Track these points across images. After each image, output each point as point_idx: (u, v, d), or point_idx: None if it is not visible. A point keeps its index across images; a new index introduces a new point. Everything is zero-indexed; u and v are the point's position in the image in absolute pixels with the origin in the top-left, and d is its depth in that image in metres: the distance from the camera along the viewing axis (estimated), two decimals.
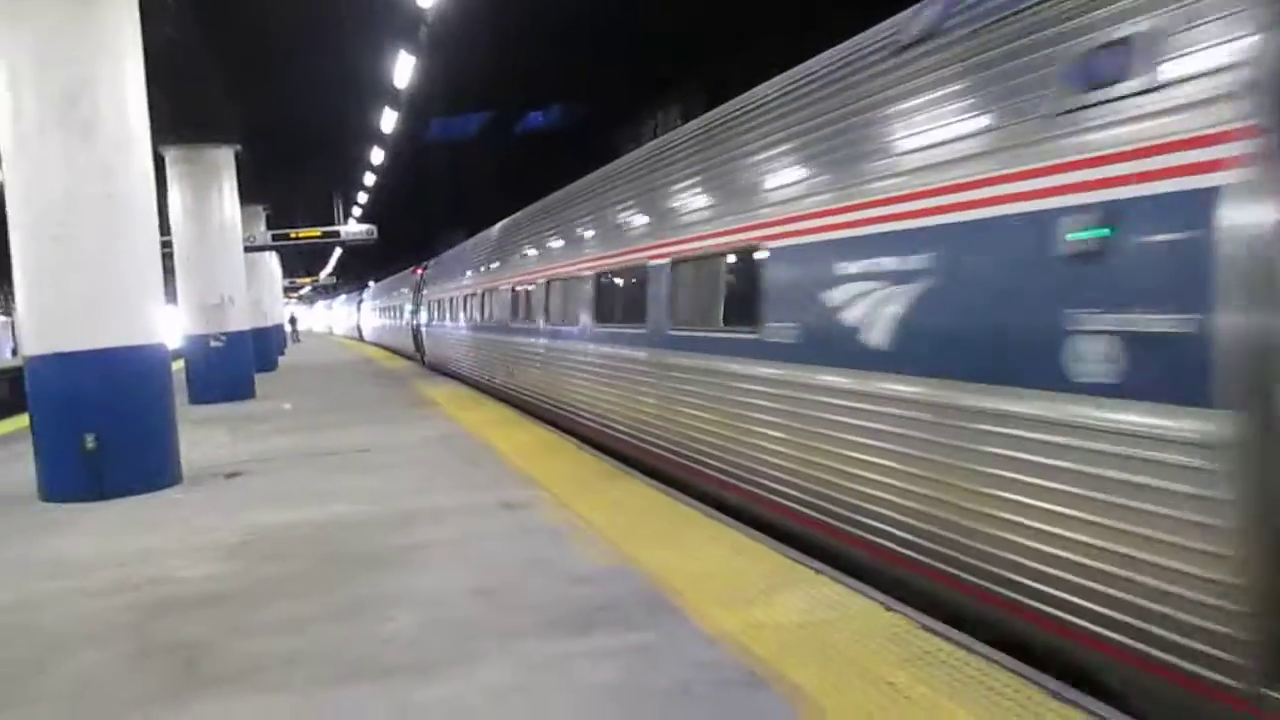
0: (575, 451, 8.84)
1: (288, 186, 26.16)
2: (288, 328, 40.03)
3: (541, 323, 11.76)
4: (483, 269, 16.61)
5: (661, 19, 16.50)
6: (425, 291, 24.94)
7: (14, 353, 57.49)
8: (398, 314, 32.15)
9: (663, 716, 3.23)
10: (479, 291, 16.52)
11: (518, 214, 15.09)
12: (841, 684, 3.40)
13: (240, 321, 16.89)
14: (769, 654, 3.70)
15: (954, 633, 3.83)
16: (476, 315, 16.76)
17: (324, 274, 62.00)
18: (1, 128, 7.64)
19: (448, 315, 20.65)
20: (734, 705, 3.30)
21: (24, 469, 8.31)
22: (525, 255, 13.15)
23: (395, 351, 32.10)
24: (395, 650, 4.04)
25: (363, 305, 49.51)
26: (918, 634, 3.84)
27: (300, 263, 53.92)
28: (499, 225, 16.59)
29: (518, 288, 13.26)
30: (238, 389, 16.25)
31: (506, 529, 6.00)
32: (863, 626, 3.95)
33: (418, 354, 26.18)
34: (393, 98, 17.68)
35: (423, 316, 25.24)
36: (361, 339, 47.64)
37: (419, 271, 26.87)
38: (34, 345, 7.77)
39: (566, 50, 18.13)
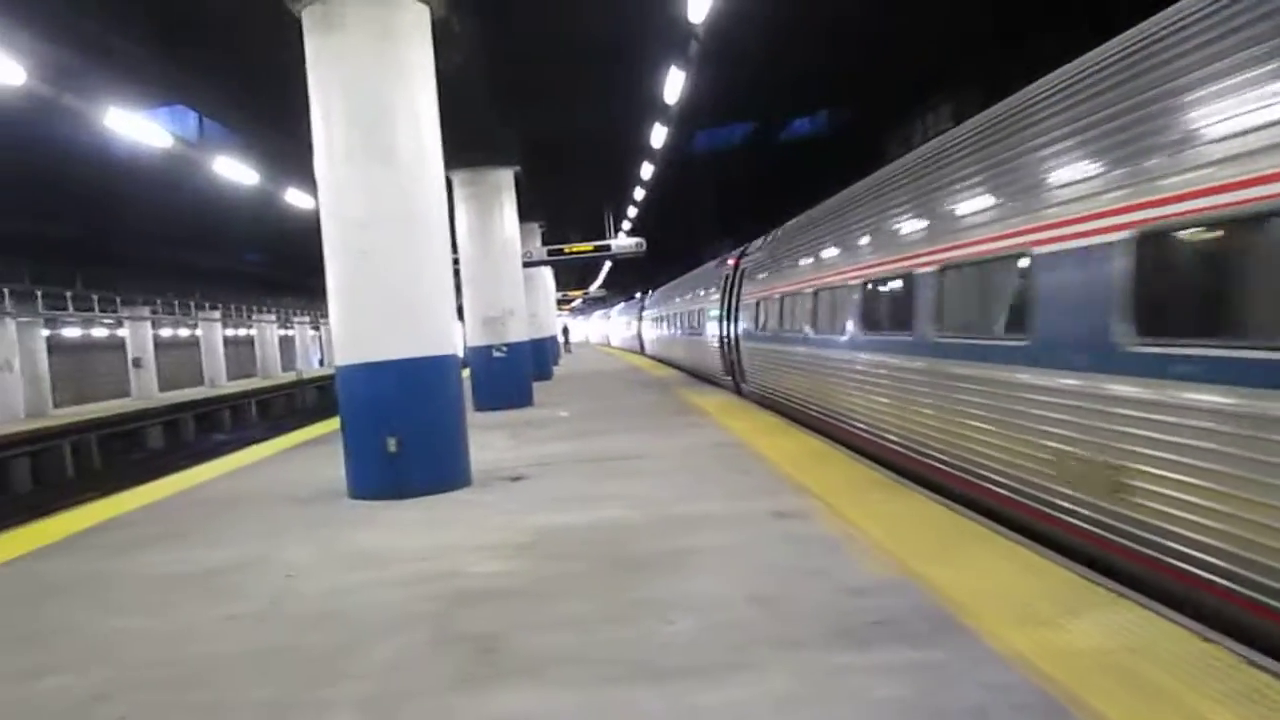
0: (846, 461, 8.67)
1: (561, 203, 27.33)
2: (560, 338, 41.77)
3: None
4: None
5: (933, 16, 15.98)
6: (743, 290, 16.59)
7: (321, 363, 63.27)
8: (696, 323, 23.01)
9: None
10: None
11: (800, 217, 13.73)
12: (1151, 713, 3.13)
13: (519, 333, 17.76)
14: (1069, 679, 3.46)
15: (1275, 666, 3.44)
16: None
17: (594, 286, 64.32)
18: (317, 154, 8.43)
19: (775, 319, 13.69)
20: None
21: (333, 468, 9.09)
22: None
23: (695, 374, 23.35)
24: (675, 653, 4.09)
25: (644, 314, 40.12)
26: (1240, 668, 3.47)
27: (571, 276, 56.17)
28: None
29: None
30: (517, 397, 17.09)
31: (780, 537, 5.96)
32: (1174, 655, 3.62)
33: (729, 376, 18.23)
34: (662, 113, 18.08)
35: (741, 324, 16.69)
36: (642, 352, 40.10)
37: (733, 262, 18.45)
38: (344, 355, 8.49)
39: (834, 54, 17.89)
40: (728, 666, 3.87)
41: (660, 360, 32.56)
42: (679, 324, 27.30)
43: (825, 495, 7.02)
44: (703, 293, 22.71)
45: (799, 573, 5.11)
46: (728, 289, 18.38)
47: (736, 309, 17.34)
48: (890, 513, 6.35)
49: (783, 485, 7.60)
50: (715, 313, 19.78)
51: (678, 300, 28.26)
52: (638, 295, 50.09)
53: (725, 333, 18.54)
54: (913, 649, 3.89)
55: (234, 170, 18.61)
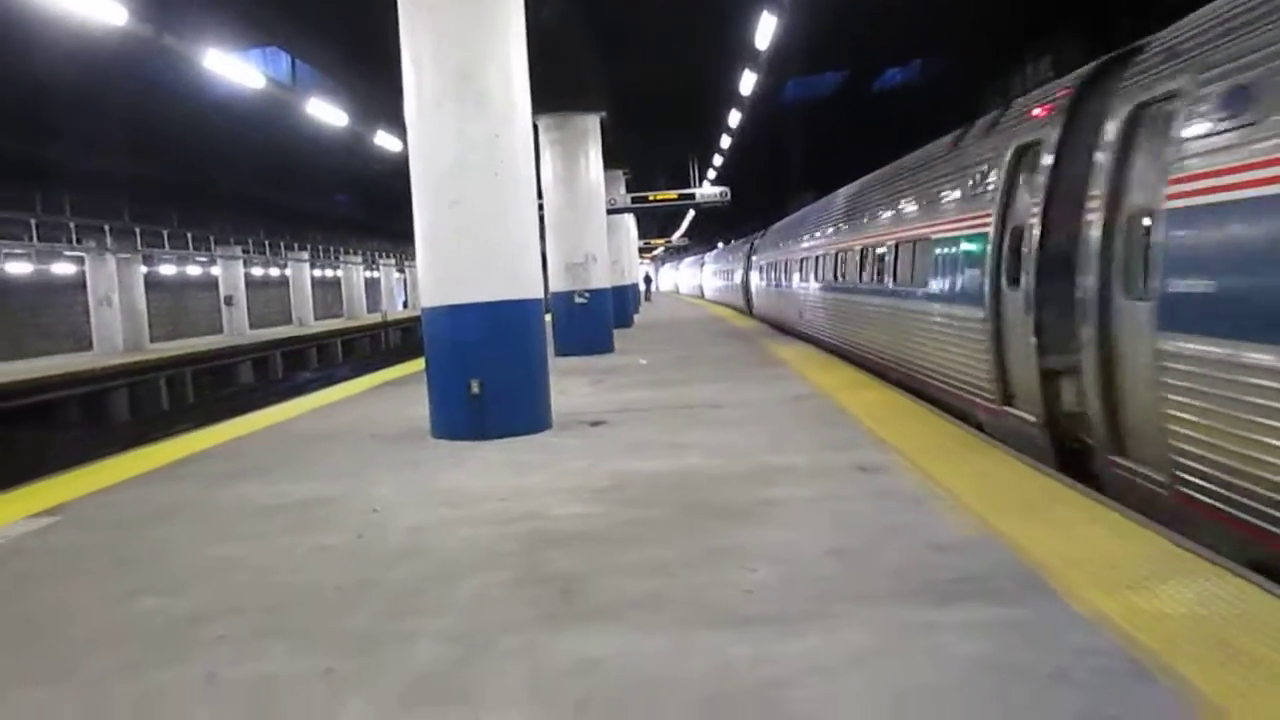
0: (930, 416, 8.57)
1: (647, 151, 27.21)
2: (642, 286, 41.79)
3: None
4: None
5: None
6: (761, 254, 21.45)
7: (405, 305, 64.30)
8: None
9: (1039, 698, 3.05)
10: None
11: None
12: (1244, 687, 3.05)
13: (601, 279, 17.83)
14: (1156, 644, 3.39)
15: None
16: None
17: (676, 235, 64.07)
18: (407, 100, 8.50)
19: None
20: (1118, 695, 3.05)
21: (417, 408, 9.27)
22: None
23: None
24: (755, 601, 4.10)
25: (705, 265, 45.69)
26: None
27: (655, 224, 56.02)
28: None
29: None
30: (598, 343, 17.20)
31: (862, 491, 5.93)
32: (1268, 625, 3.52)
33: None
34: (752, 59, 17.83)
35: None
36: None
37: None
38: (430, 298, 8.62)
39: (930, 1, 17.43)
40: (806, 616, 3.87)
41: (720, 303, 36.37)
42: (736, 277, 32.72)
43: (908, 450, 6.95)
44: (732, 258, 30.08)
45: (880, 527, 5.08)
46: (749, 255, 25.10)
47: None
48: (974, 470, 6.26)
49: (865, 439, 7.54)
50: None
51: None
52: (719, 245, 50.22)
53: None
54: (995, 607, 3.85)
55: (325, 112, 18.87)
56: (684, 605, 4.10)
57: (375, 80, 15.98)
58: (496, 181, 8.39)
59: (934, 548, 4.66)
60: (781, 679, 3.31)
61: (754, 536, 5.06)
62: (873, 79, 25.98)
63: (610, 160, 20.53)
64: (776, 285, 23.52)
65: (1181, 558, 4.36)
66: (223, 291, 39.92)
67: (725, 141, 29.09)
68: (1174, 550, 4.46)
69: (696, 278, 59.12)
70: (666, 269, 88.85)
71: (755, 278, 27.73)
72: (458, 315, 8.41)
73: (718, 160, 33.89)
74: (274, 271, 50.79)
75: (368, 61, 15.61)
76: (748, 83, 19.60)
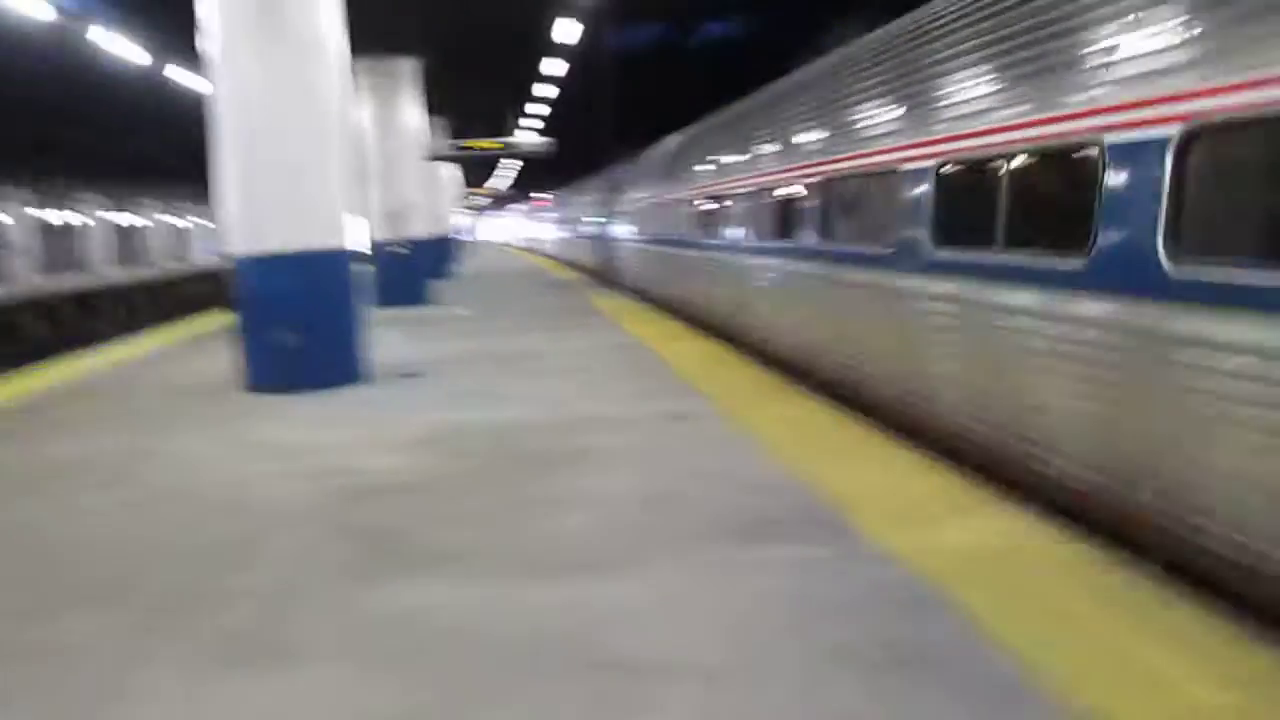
0: (746, 365, 8.84)
1: (469, 98, 26.63)
2: (464, 237, 41.18)
3: None
4: None
5: None
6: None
7: (216, 254, 61.35)
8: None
9: (832, 629, 3.26)
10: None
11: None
12: (1016, 610, 3.34)
13: (422, 229, 17.47)
14: (942, 576, 3.66)
15: (1141, 569, 3.69)
16: None
17: (501, 185, 63.28)
18: (208, 39, 8.05)
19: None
20: (905, 622, 3.29)
21: (228, 362, 8.91)
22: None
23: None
24: (570, 549, 4.19)
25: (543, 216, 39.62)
26: (1099, 566, 3.72)
27: (477, 174, 55.15)
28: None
29: None
30: (417, 294, 16.88)
31: (676, 437, 6.09)
32: (1041, 555, 3.86)
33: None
34: (574, 7, 17.67)
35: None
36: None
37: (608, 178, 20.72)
38: (240, 247, 8.25)
39: None
40: (620, 562, 3.98)
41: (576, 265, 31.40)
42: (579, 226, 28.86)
43: (722, 398, 7.17)
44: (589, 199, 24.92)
45: (693, 473, 5.24)
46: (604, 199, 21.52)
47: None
48: (784, 416, 6.53)
49: (682, 387, 7.72)
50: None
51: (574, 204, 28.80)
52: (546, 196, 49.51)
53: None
54: (797, 546, 4.06)
55: (117, 45, 17.67)
56: (500, 555, 4.14)
57: (175, 12, 15.06)
58: (306, 124, 8.08)
59: (742, 491, 4.86)
60: (594, 622, 3.41)
61: (569, 485, 5.14)
62: (693, 32, 26.25)
63: (431, 107, 20.05)
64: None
65: (969, 494, 4.70)
66: None
67: (549, 91, 28.82)
68: (961, 487, 4.80)
69: (537, 229, 51.36)
70: (492, 219, 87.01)
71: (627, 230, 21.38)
72: (269, 265, 8.09)
73: (541, 109, 33.57)
74: (69, 216, 47.42)
75: None
76: (568, 32, 19.44)
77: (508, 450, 5.96)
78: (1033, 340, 4.78)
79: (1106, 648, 3.05)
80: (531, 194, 58.00)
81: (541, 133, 31.05)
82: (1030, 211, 5.10)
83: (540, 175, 52.60)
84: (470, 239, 47.90)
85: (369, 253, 16.37)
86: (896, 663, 3.01)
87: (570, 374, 8.70)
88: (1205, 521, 3.70)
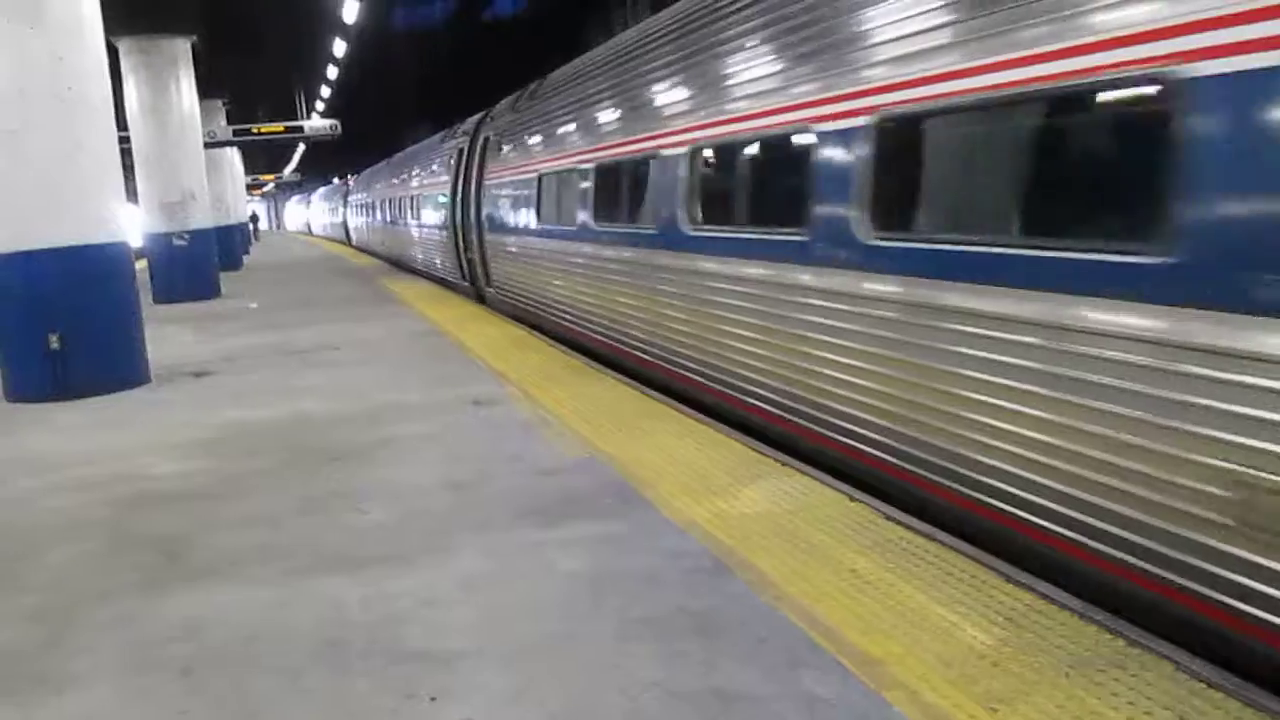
0: (545, 347, 8.86)
1: (248, 80, 25.47)
2: (250, 226, 39.41)
3: None
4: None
5: None
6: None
7: None
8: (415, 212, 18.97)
9: (632, 602, 3.32)
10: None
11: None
12: (805, 570, 3.50)
13: (203, 219, 16.64)
14: (735, 542, 3.80)
15: (915, 522, 3.93)
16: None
17: (287, 170, 60.83)
18: None
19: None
20: (701, 590, 3.39)
21: None
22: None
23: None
24: (369, 542, 4.11)
25: (349, 200, 36.27)
26: (880, 523, 3.94)
27: (263, 159, 52.87)
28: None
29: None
30: (202, 288, 16.11)
31: (477, 423, 6.06)
32: (826, 516, 4.05)
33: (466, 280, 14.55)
34: None
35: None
36: (349, 242, 36.64)
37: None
38: None
39: None
40: (420, 551, 3.94)
41: (369, 252, 29.40)
42: (393, 211, 22.76)
43: (521, 381, 7.17)
44: (428, 174, 18.11)
45: (494, 458, 5.23)
46: (463, 168, 14.34)
47: (479, 193, 13.29)
48: (583, 395, 6.60)
49: (481, 372, 7.68)
50: (445, 199, 15.76)
51: (395, 182, 22.59)
52: (344, 179, 48.09)
53: (459, 222, 14.61)
54: (597, 522, 4.12)
55: None
56: (295, 554, 4.02)
57: None
58: (63, 109, 7.52)
59: (543, 473, 4.88)
60: (395, 615, 3.36)
61: (368, 477, 5.05)
62: (481, 9, 25.92)
63: (207, 89, 19.06)
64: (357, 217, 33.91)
65: (760, 462, 4.88)
66: None
67: (334, 72, 27.91)
68: (753, 456, 4.98)
69: (331, 215, 45.45)
70: (294, 206, 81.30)
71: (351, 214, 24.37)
72: (27, 262, 7.52)
73: (326, 92, 32.48)
74: None
75: None
76: (351, 10, 18.86)
77: (305, 445, 5.78)
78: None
79: (887, 598, 3.24)
80: (331, 179, 56.07)
81: (334, 115, 30.01)
82: (763, 193, 5.95)
83: (337, 160, 50.96)
84: (256, 227, 45.75)
85: (141, 246, 15.45)
86: (694, 630, 3.10)
87: (368, 364, 8.51)
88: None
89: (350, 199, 35.52)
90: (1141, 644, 2.82)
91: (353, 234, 35.56)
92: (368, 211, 28.98)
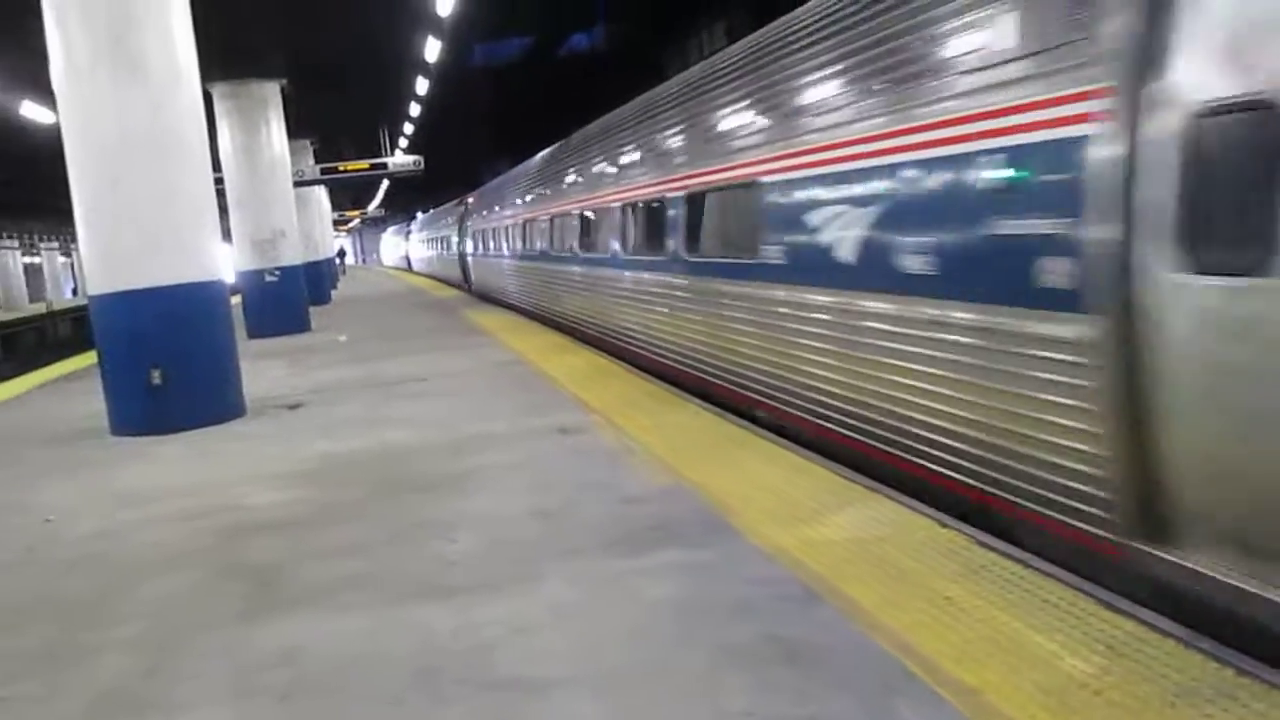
0: (627, 376, 8.90)
1: (334, 119, 26.17)
2: (336, 260, 40.34)
3: None
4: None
5: None
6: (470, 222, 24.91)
7: (74, 292, 58.74)
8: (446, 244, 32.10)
9: (722, 630, 3.31)
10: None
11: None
12: (896, 598, 3.45)
13: (292, 255, 17.09)
14: (826, 570, 3.76)
15: (1011, 548, 3.85)
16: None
17: (371, 206, 62.16)
18: (54, 66, 7.74)
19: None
20: (792, 618, 3.36)
21: (92, 404, 8.57)
22: None
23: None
24: (458, 571, 4.16)
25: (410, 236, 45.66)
26: (973, 549, 3.86)
27: (348, 196, 54.10)
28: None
29: None
30: (293, 322, 16.50)
31: (562, 452, 6.10)
32: (918, 542, 3.99)
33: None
34: (435, 25, 17.53)
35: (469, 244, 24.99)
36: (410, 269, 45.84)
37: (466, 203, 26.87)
38: (98, 284, 7.95)
39: None
40: (509, 579, 3.97)
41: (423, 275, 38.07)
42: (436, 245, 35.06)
43: (606, 409, 7.20)
44: (449, 221, 30.53)
45: (580, 486, 5.26)
46: (462, 220, 26.05)
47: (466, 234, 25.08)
48: (666, 424, 6.60)
49: (565, 401, 7.73)
50: (454, 237, 27.83)
51: (432, 228, 36.24)
52: (416, 216, 48.96)
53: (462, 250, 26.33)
54: (684, 550, 4.11)
55: None
56: (386, 583, 4.09)
57: (16, 42, 14.38)
58: (162, 155, 7.81)
59: (629, 501, 4.89)
60: (487, 643, 3.39)
61: (456, 507, 5.11)
62: (558, 44, 26.28)
63: (296, 130, 19.63)
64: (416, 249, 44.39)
65: (848, 489, 4.83)
66: None
67: (416, 109, 28.52)
68: (841, 482, 4.93)
69: (416, 249, 46.32)
70: (381, 240, 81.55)
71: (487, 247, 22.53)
72: (130, 301, 7.81)
73: (409, 129, 33.18)
74: None
75: (5, 18, 14.00)
76: (432, 49, 19.28)
77: (391, 476, 5.88)
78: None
79: (983, 626, 3.17)
80: (416, 214, 56.76)
81: (416, 150, 30.65)
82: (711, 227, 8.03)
83: (413, 195, 51.95)
84: (342, 261, 46.83)
85: (236, 283, 15.93)
86: (786, 659, 3.07)
87: (454, 394, 8.63)
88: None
89: (433, 232, 36.56)
90: (1251, 673, 2.72)
91: (431, 264, 37.17)
92: (443, 245, 33.45)
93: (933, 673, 2.90)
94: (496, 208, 20.57)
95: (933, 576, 3.62)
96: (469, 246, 25.13)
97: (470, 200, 25.92)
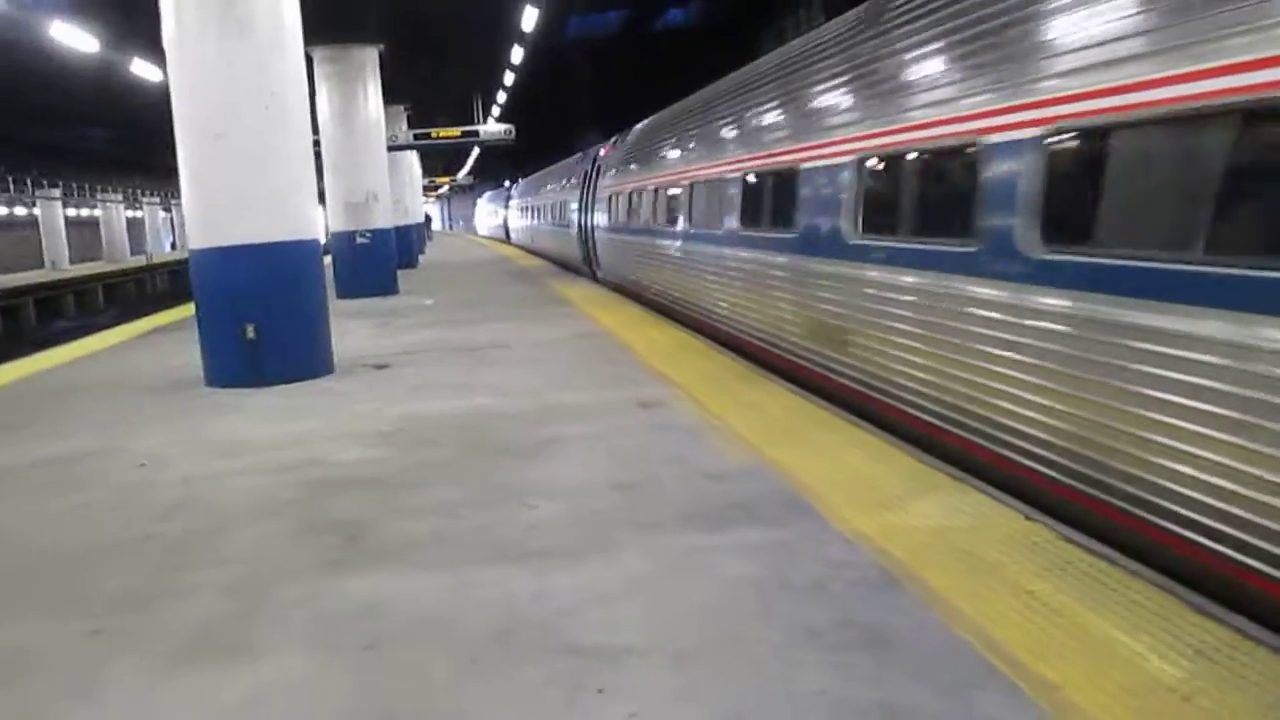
0: (710, 352, 8.88)
1: (429, 86, 26.47)
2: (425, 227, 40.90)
3: None
4: None
5: None
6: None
7: (172, 246, 60.54)
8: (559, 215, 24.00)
9: (798, 611, 3.30)
10: None
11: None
12: (978, 588, 3.40)
13: (384, 219, 17.35)
14: (905, 556, 3.72)
15: (1096, 544, 3.76)
16: None
17: (461, 173, 62.86)
18: (165, 26, 7.96)
19: None
20: (869, 603, 3.34)
21: (189, 355, 8.84)
22: None
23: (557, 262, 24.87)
24: (538, 536, 4.21)
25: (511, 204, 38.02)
26: (1058, 544, 3.79)
27: (439, 163, 54.71)
28: None
29: None
30: (382, 284, 16.79)
31: (643, 425, 6.12)
32: (1001, 534, 3.92)
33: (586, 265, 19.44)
34: None
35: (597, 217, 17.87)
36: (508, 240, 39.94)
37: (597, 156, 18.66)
38: (198, 239, 8.18)
39: None
40: (587, 547, 4.01)
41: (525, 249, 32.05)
42: (545, 214, 27.54)
43: (686, 384, 7.21)
44: (566, 183, 23.26)
45: (660, 460, 5.27)
46: (586, 184, 19.47)
47: (593, 203, 18.68)
48: (749, 402, 6.57)
49: (648, 375, 7.75)
50: (574, 204, 20.86)
51: (540, 192, 28.20)
52: (506, 184, 48.45)
53: (583, 224, 19.88)
54: (763, 530, 4.10)
55: (72, 37, 17.40)
56: (468, 544, 4.16)
57: (127, 1, 14.78)
58: (266, 115, 8.00)
59: (708, 477, 4.89)
60: (564, 609, 3.43)
61: (539, 473, 5.16)
62: (654, 18, 26.18)
63: (391, 95, 19.88)
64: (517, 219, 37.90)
65: (931, 475, 4.76)
66: None
67: (509, 78, 28.71)
68: (923, 469, 4.87)
69: (505, 218, 43.77)
70: (469, 207, 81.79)
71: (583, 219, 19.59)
72: (228, 257, 8.03)
73: (502, 97, 33.42)
74: (20, 210, 46.73)
75: None
76: (530, 18, 19.37)
77: (475, 440, 5.96)
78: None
79: (1066, 623, 3.11)
80: (506, 183, 56.93)
81: (508, 120, 30.84)
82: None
83: (505, 164, 52.36)
84: (429, 227, 47.37)
85: (328, 244, 16.25)
86: (863, 643, 3.06)
87: (539, 363, 8.71)
88: None
89: (526, 201, 34.06)
90: None
91: (521, 234, 34.71)
92: (535, 214, 30.06)
93: (1013, 666, 2.85)
94: (664, 155, 13.44)
95: (1017, 569, 3.56)
96: (599, 218, 17.89)
97: (602, 152, 18.45)
